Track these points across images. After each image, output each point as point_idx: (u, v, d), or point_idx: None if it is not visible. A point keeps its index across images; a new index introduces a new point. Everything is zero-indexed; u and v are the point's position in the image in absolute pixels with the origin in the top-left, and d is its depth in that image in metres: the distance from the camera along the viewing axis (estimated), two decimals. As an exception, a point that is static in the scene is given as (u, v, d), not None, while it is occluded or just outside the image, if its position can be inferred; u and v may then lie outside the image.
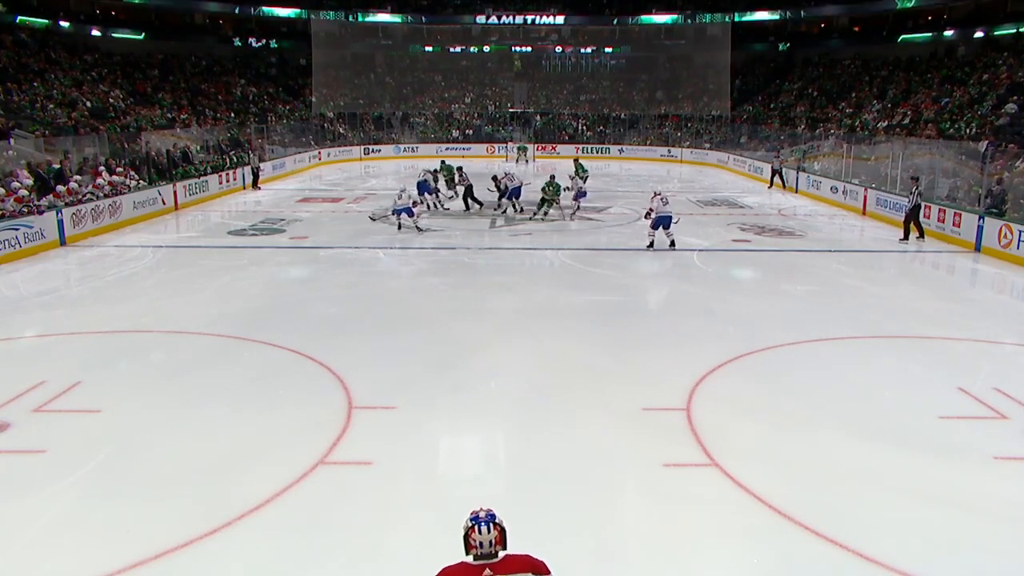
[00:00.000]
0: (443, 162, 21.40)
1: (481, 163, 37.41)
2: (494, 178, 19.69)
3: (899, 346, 9.58)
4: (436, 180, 20.69)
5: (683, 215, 17.08)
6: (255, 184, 24.95)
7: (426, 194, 20.13)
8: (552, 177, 18.59)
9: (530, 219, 18.55)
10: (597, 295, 12.00)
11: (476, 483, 6.14)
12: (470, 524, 3.32)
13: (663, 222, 14.85)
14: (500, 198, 19.40)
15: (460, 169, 21.25)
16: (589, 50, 49.86)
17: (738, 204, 22.92)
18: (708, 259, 14.77)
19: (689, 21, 47.43)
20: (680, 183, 29.25)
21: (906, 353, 9.31)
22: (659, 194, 15.01)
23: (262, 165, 27.05)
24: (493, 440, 7.00)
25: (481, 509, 3.39)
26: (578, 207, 19.04)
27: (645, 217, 15.50)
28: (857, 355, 9.18)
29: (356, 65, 49.08)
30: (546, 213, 18.67)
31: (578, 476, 6.18)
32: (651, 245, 15.09)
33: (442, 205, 20.55)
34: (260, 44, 45.40)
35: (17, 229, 14.22)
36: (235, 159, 26.54)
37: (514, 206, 19.19)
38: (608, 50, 49.60)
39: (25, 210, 14.84)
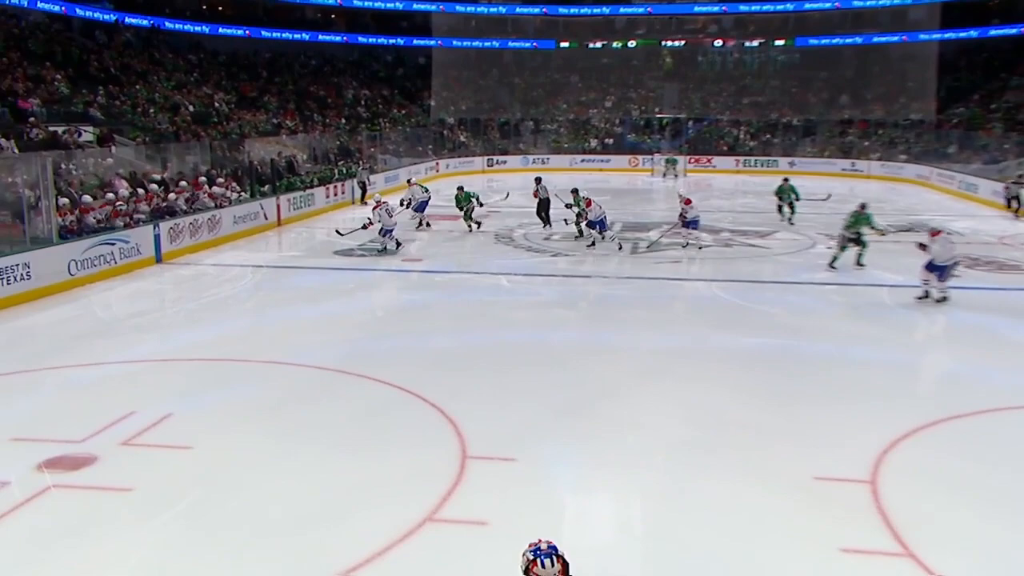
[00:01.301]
0: (461, 187, 21.29)
1: (622, 178, 37.53)
2: (574, 192, 19.02)
3: None
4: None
5: (872, 243, 16.34)
6: (363, 199, 26.06)
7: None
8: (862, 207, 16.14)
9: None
10: (759, 336, 11.71)
11: (606, 554, 6.07)
12: (531, 558, 3.48)
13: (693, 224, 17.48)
14: (578, 223, 18.83)
15: (539, 180, 21.54)
16: (755, 43, 49.02)
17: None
18: (901, 296, 14.05)
19: (885, 2, 45.50)
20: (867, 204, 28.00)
21: None
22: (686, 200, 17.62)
23: (371, 178, 28.21)
24: (628, 505, 6.91)
25: (541, 541, 3.56)
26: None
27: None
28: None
29: (481, 64, 50.59)
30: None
31: (730, 556, 5.99)
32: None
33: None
34: (375, 41, 47.65)
35: (113, 244, 15.52)
36: (344, 170, 27.87)
37: (601, 236, 18.32)
38: (779, 42, 48.51)
39: (121, 223, 16.15)
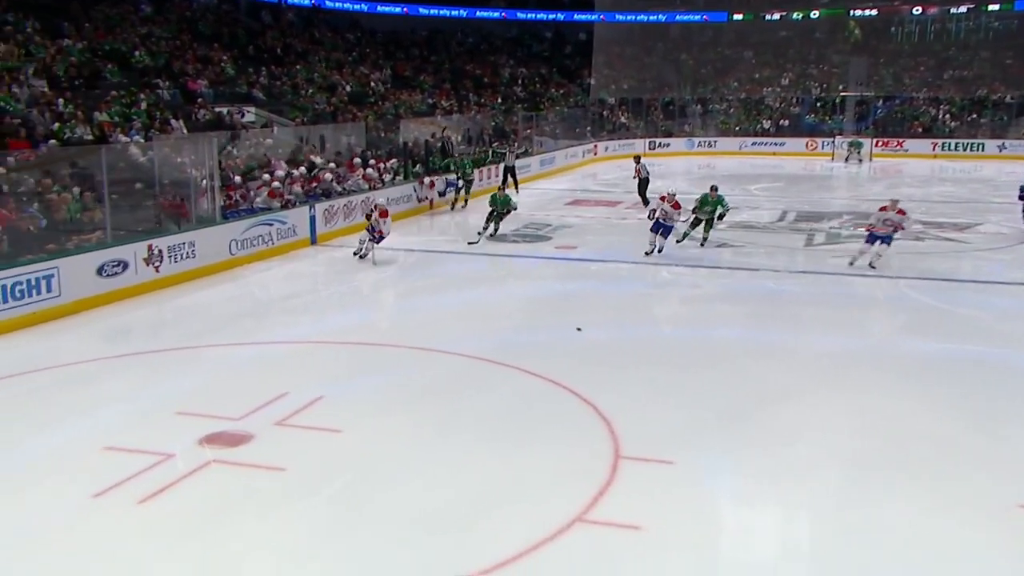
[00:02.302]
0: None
1: (797, 163, 36.34)
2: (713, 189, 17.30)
3: None
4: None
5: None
6: (503, 184, 25.43)
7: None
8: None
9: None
10: (955, 342, 11.15)
11: (767, 570, 5.98)
12: None
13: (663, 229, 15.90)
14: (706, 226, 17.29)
15: (638, 159, 22.76)
16: (964, 9, 45.90)
17: None
18: None
19: None
20: None
21: None
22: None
23: (518, 163, 28.13)
24: (794, 521, 6.76)
25: None
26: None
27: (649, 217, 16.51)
28: None
29: (645, 39, 50.14)
30: (706, 239, 17.45)
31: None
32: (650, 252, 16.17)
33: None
34: (534, 16, 48.10)
35: (271, 225, 16.51)
36: (499, 153, 28.29)
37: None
38: (994, 7, 45.18)
39: (279, 204, 17.16)
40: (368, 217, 16.13)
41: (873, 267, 14.77)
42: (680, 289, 14.47)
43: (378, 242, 15.78)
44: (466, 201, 23.13)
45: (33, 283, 11.54)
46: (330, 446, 7.87)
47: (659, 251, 16.04)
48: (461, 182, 23.09)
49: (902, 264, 15.89)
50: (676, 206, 15.70)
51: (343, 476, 7.28)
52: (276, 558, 6.02)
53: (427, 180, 21.86)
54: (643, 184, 22.22)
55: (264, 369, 10.22)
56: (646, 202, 21.32)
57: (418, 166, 23.94)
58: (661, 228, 15.91)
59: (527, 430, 8.17)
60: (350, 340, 11.29)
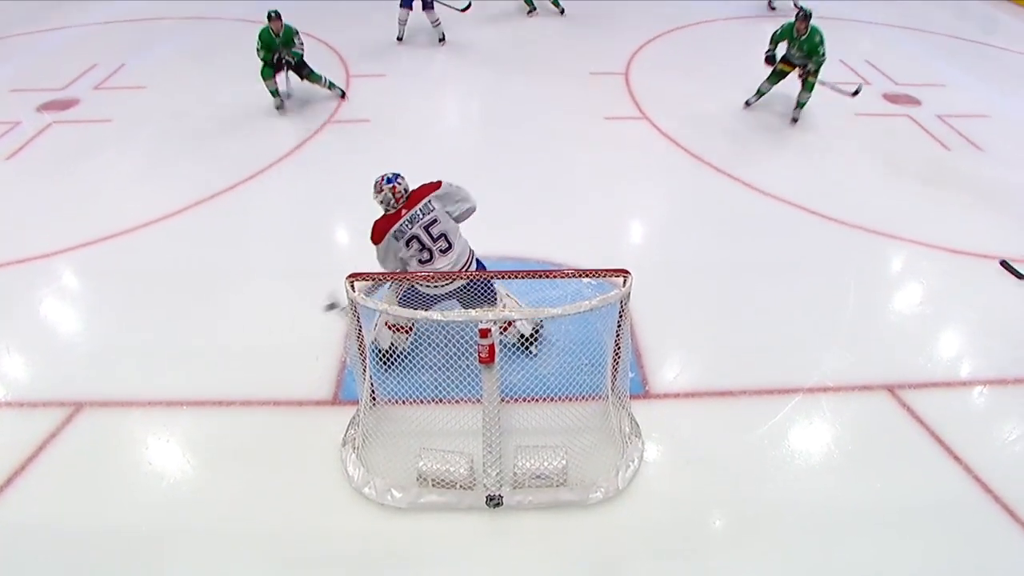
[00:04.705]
0: None
1: None
2: None
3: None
4: None
5: None
6: None
7: None
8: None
9: None
10: None
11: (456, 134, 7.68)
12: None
13: None
14: None
15: None
16: None
17: None
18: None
19: None
20: None
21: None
22: None
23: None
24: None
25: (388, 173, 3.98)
26: None
27: None
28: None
29: None
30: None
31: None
32: None
33: None
34: None
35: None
36: None
37: None
38: None
39: None
40: None
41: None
42: None
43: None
44: None
45: None
46: (140, 97, 8.50)
47: None
48: None
49: None
50: None
51: (153, 122, 8.02)
52: (121, 180, 6.89)
53: None
54: None
55: (74, 47, 10.13)
56: None
57: None
58: None
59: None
60: (146, 17, 11.13)
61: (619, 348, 3.69)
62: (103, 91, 8.65)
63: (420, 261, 3.90)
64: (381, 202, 3.91)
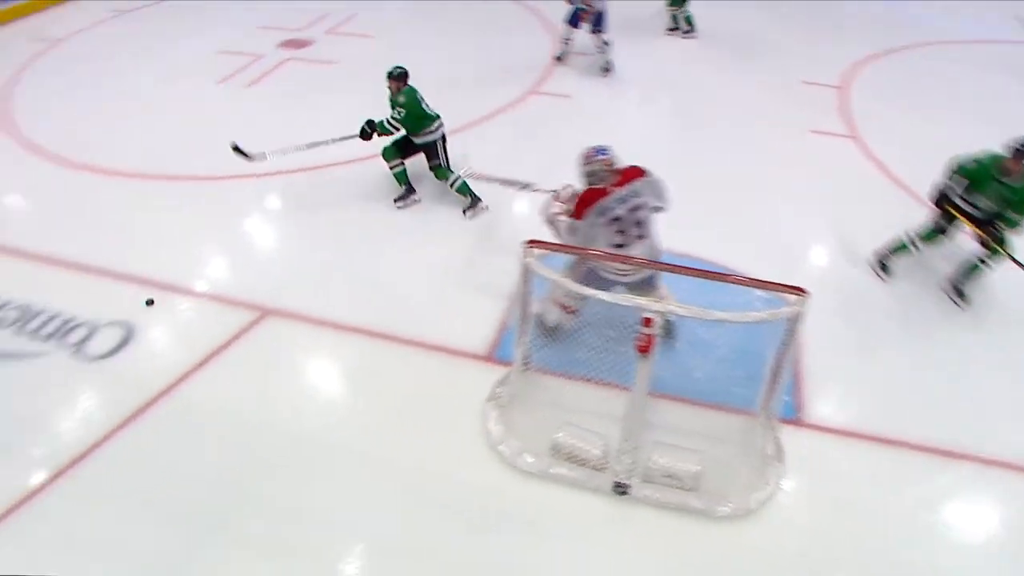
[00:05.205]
0: None
1: None
2: None
3: None
4: None
5: None
6: None
7: None
8: None
9: None
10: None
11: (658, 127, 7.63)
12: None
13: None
14: None
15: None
16: None
17: None
18: None
19: None
20: None
21: None
22: None
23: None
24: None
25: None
26: None
27: None
28: None
29: None
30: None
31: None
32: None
33: None
34: None
35: None
36: None
37: None
38: None
39: None
40: None
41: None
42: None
43: None
44: None
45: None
46: (367, 45, 9.14)
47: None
48: None
49: None
50: None
51: (374, 68, 8.54)
52: (343, 117, 7.38)
53: None
54: None
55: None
56: None
57: None
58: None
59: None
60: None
61: (779, 367, 3.55)
62: (334, 35, 9.40)
63: (613, 244, 3.80)
64: (588, 174, 3.79)
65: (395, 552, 3.41)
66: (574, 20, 8.12)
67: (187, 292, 5.06)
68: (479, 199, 5.83)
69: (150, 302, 4.86)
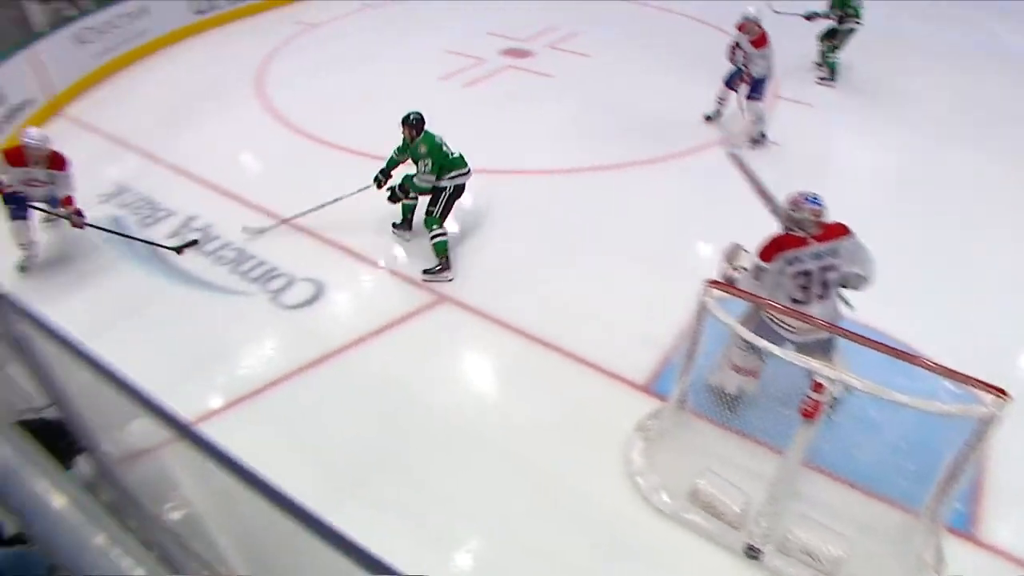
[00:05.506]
0: None
1: None
2: None
3: None
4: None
5: None
6: None
7: None
8: None
9: None
10: None
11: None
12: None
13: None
14: None
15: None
16: None
17: None
18: None
19: None
20: None
21: None
22: None
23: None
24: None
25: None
26: None
27: None
28: None
29: None
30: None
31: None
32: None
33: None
34: None
35: None
36: None
37: None
38: None
39: None
40: None
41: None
42: None
43: None
44: None
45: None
46: (584, 63, 9.37)
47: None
48: None
49: None
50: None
51: (585, 86, 8.84)
52: (544, 129, 7.75)
53: None
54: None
55: (545, 10, 11.36)
56: None
57: None
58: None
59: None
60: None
61: (958, 471, 3.22)
62: (554, 50, 9.72)
63: (792, 299, 3.59)
64: (793, 220, 3.56)
65: (514, 547, 3.49)
66: (731, 81, 7.45)
67: (374, 265, 5.46)
68: (448, 268, 5.31)
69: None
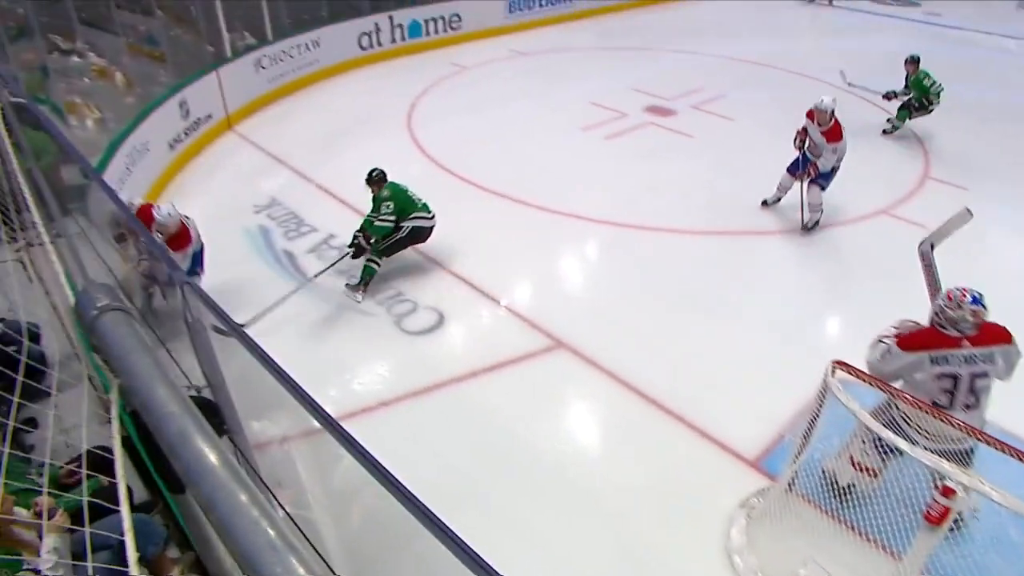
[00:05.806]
0: None
1: None
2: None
3: None
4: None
5: None
6: None
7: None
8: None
9: None
10: None
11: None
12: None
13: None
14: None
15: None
16: None
17: None
18: None
19: None
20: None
21: None
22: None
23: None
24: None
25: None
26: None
27: None
28: None
29: None
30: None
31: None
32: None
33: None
34: None
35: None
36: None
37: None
38: None
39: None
40: None
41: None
42: None
43: None
44: None
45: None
46: (725, 126, 9.31)
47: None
48: None
49: None
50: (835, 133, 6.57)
51: (728, 145, 8.74)
52: (680, 180, 7.74)
53: None
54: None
55: (692, 70, 11.53)
56: None
57: None
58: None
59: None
60: (754, 60, 12.07)
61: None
62: (697, 111, 9.72)
63: (935, 402, 3.33)
64: (948, 318, 3.27)
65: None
66: (794, 168, 6.93)
67: (495, 302, 5.60)
68: (363, 291, 5.55)
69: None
